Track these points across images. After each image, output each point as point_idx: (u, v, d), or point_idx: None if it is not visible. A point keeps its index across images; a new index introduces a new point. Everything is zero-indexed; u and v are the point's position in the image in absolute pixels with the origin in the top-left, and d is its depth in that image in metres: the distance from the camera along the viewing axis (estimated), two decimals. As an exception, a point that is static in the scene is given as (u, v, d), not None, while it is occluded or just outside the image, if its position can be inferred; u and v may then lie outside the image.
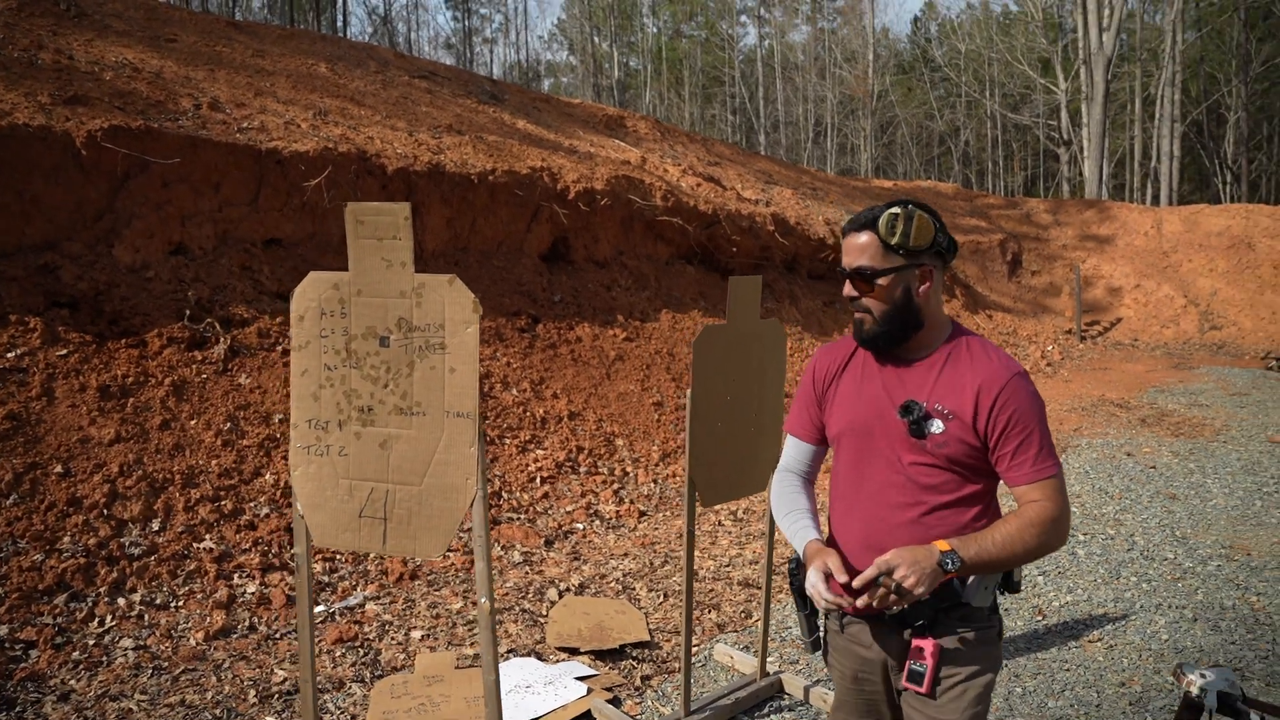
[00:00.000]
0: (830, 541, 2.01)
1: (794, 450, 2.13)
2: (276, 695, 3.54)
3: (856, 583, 1.78)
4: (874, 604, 1.74)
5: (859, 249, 1.87)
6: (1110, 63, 20.74)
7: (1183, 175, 32.62)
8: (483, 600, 1.93)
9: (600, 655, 3.89)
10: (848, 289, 1.91)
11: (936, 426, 1.84)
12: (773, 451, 3.35)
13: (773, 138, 40.33)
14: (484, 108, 11.34)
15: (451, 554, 5.06)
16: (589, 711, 3.37)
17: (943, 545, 1.77)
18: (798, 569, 2.00)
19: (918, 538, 1.84)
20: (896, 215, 1.82)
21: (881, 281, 1.85)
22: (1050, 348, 14.67)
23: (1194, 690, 2.54)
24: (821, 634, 2.11)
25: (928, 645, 1.87)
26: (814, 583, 1.85)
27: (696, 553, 5.29)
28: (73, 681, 3.60)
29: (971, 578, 1.84)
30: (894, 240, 1.82)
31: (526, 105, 12.88)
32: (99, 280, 6.03)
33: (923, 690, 1.87)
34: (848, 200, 16.46)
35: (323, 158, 7.35)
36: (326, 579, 4.67)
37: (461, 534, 5.32)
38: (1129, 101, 32.14)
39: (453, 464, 1.94)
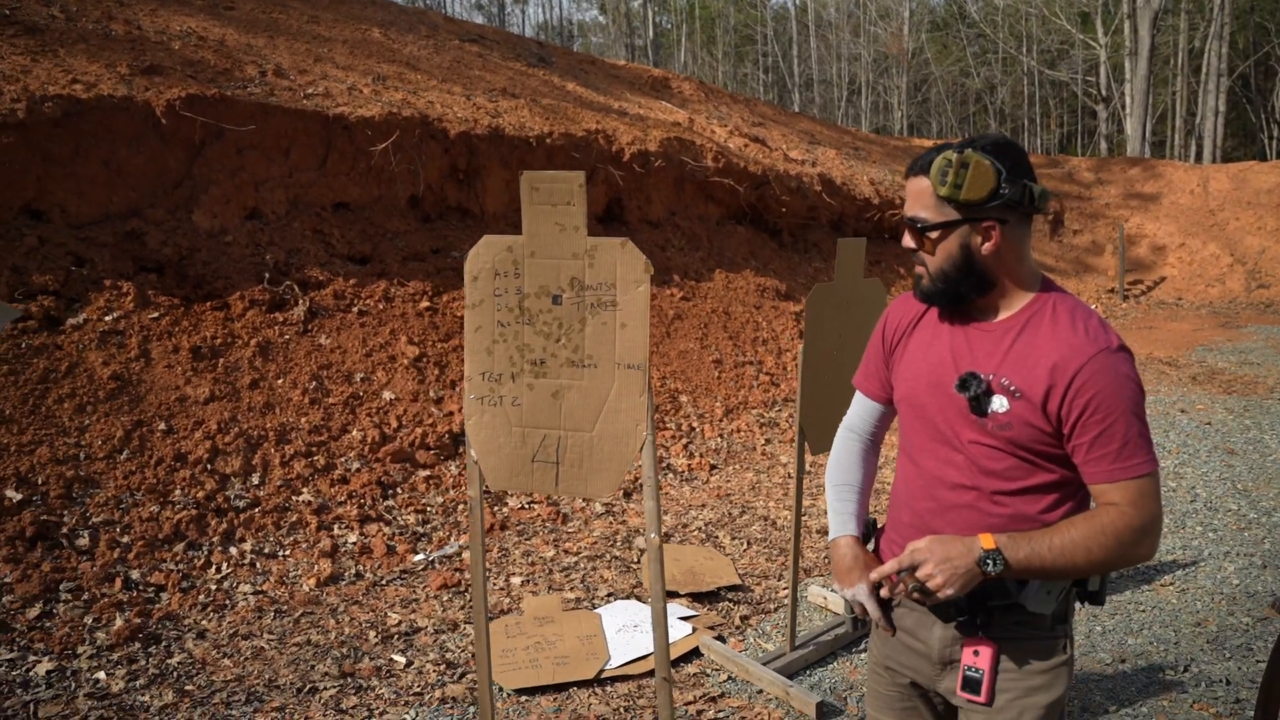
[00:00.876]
0: (888, 517, 1.84)
1: (859, 408, 1.93)
2: (396, 635, 3.76)
3: (874, 575, 1.63)
4: (894, 600, 1.60)
5: (915, 196, 1.63)
6: (1157, 16, 20.35)
7: (1227, 131, 32.02)
8: (652, 535, 2.10)
9: (696, 598, 4.09)
10: (905, 239, 1.68)
11: (1000, 404, 1.58)
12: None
13: (806, 96, 39.94)
14: (534, 71, 11.41)
15: (536, 505, 5.27)
16: (697, 648, 3.57)
17: (988, 541, 1.52)
18: (870, 532, 1.85)
19: (974, 524, 1.62)
20: (950, 162, 1.54)
21: (934, 236, 1.61)
22: (1094, 307, 14.64)
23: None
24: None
25: (985, 649, 1.63)
26: (865, 602, 1.71)
27: (772, 503, 5.47)
28: (204, 622, 3.84)
29: (1035, 580, 1.58)
30: (943, 191, 1.55)
31: (574, 67, 12.93)
32: (182, 245, 6.24)
33: (980, 700, 1.63)
34: (889, 160, 16.39)
35: (388, 122, 7.49)
36: (421, 529, 4.89)
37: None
38: (1171, 56, 31.49)
39: (624, 411, 2.10)
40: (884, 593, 1.64)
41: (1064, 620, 1.65)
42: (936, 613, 1.66)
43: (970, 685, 1.64)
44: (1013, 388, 1.57)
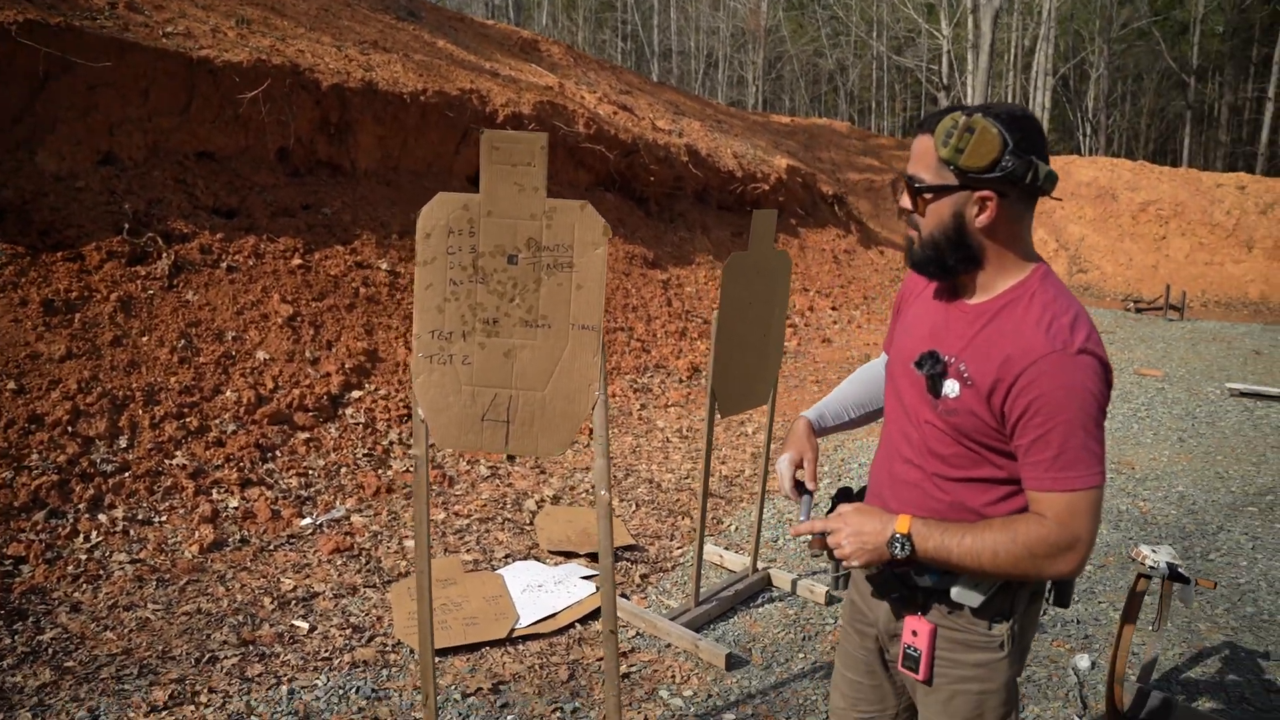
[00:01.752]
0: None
1: (882, 362, 1.96)
2: (294, 601, 3.67)
3: (793, 530, 1.65)
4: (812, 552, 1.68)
5: (917, 154, 1.57)
6: (997, 14, 21.65)
7: (1051, 126, 34.54)
8: (602, 493, 2.15)
9: (594, 557, 4.17)
10: (902, 198, 1.63)
11: (951, 388, 1.56)
12: (774, 370, 3.68)
13: (664, 66, 40.22)
14: (403, 25, 11.02)
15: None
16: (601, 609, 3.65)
17: (903, 525, 1.53)
18: (841, 498, 1.86)
19: (917, 504, 1.63)
20: (955, 123, 1.49)
21: (929, 198, 1.55)
22: (936, 285, 15.56)
23: (1149, 562, 3.04)
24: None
25: (923, 628, 1.63)
26: (781, 470, 1.79)
27: (654, 466, 5.61)
28: (77, 594, 3.62)
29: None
30: (943, 153, 1.49)
31: (443, 24, 12.56)
32: (25, 188, 5.74)
33: (919, 677, 1.65)
34: (750, 134, 16.80)
35: (256, 70, 7.10)
36: (304, 493, 4.75)
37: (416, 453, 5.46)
38: (1005, 52, 33.60)
39: (576, 371, 2.14)
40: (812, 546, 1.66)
41: (1005, 617, 1.60)
42: (873, 585, 1.68)
43: (909, 662, 1.66)
44: (966, 374, 1.54)
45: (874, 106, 41.93)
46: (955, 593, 1.57)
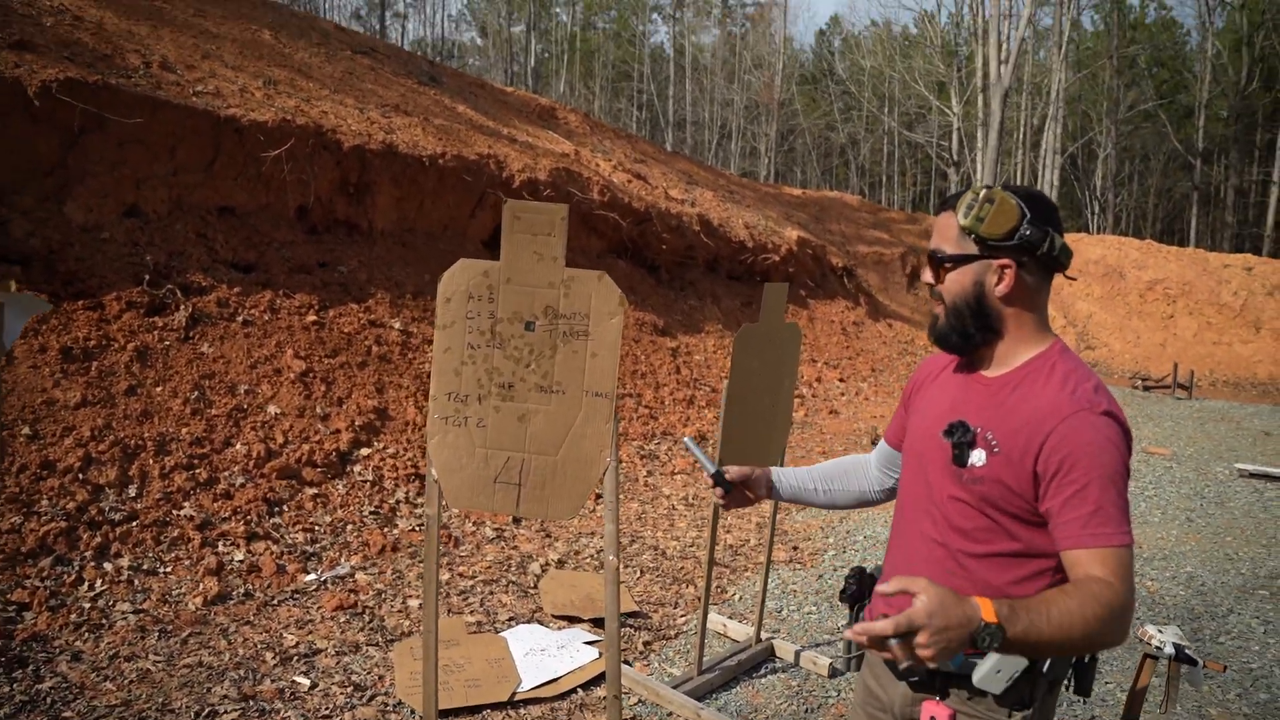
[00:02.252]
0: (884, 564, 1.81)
1: (876, 449, 1.99)
2: (295, 656, 3.65)
3: (856, 631, 1.35)
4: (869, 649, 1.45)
5: (940, 230, 1.64)
6: (1007, 94, 22.10)
7: (1060, 203, 34.98)
8: (610, 558, 2.17)
9: (598, 623, 4.15)
10: (924, 273, 1.69)
11: (978, 458, 1.57)
12: (781, 441, 3.71)
13: (678, 136, 41.00)
14: (425, 89, 11.31)
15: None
16: (605, 672, 3.63)
17: (988, 613, 1.33)
18: (854, 579, 1.84)
19: (942, 582, 1.43)
20: (976, 195, 1.57)
21: (949, 268, 1.61)
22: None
23: (1154, 642, 3.02)
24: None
25: (941, 713, 1.58)
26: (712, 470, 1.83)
27: (660, 533, 5.60)
28: (78, 643, 3.62)
29: (990, 658, 1.51)
30: (965, 221, 1.57)
31: (464, 89, 12.89)
32: (51, 238, 5.87)
33: None
34: (761, 204, 17.06)
35: (281, 129, 7.29)
36: (310, 549, 4.75)
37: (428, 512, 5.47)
38: (1015, 130, 34.22)
39: (589, 438, 2.18)
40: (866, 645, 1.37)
41: (1024, 706, 1.57)
42: (890, 668, 1.64)
43: None
44: (994, 442, 1.56)
45: (884, 180, 42.58)
46: (978, 678, 1.51)
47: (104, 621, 3.80)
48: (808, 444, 8.67)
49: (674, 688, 3.47)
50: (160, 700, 3.24)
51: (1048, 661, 1.56)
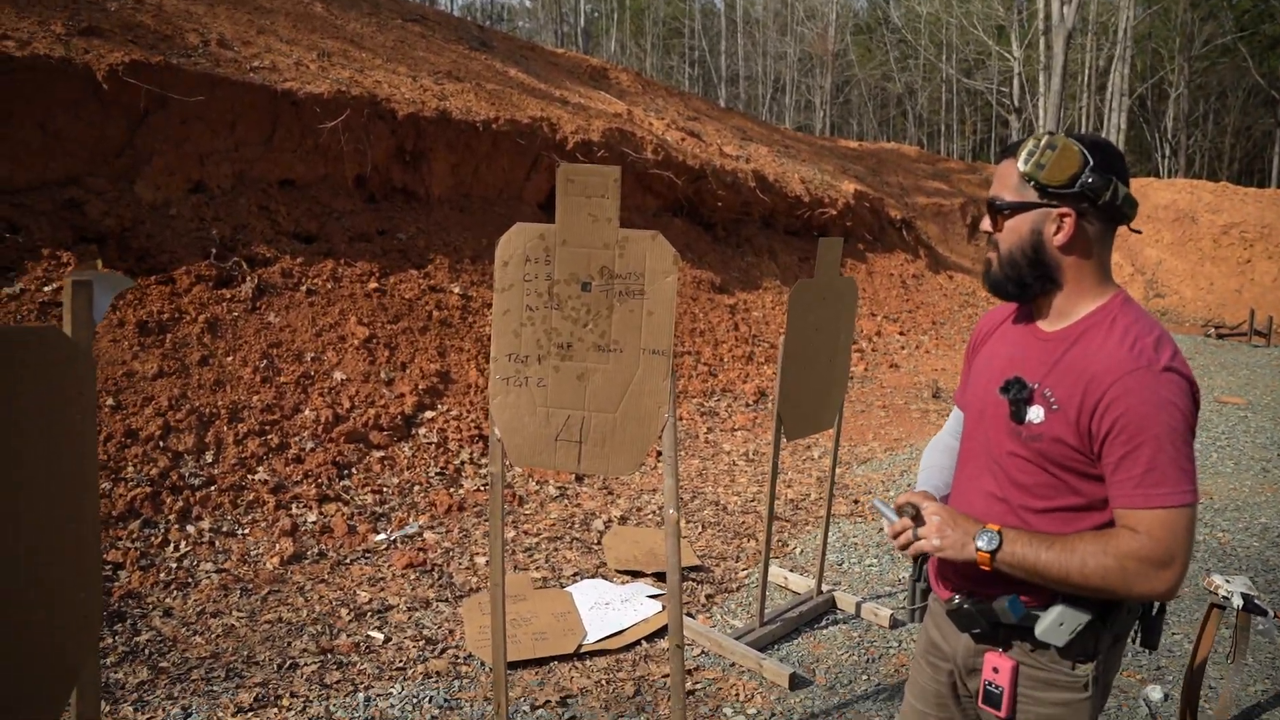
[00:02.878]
0: None
1: (953, 416, 1.94)
2: (369, 613, 3.80)
3: (902, 498, 1.63)
4: (892, 539, 1.62)
5: (1000, 177, 1.61)
6: (1070, 35, 21.33)
7: (1127, 148, 33.78)
8: (670, 512, 2.22)
9: (660, 577, 4.23)
10: (984, 222, 1.68)
11: (1036, 414, 1.55)
12: (840, 394, 3.71)
13: (731, 92, 40.46)
14: (476, 54, 11.34)
15: (493, 489, 5.34)
16: (668, 624, 3.71)
17: (994, 526, 1.53)
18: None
19: None
20: (1039, 142, 1.54)
21: (1007, 216, 1.59)
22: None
23: (1221, 591, 2.99)
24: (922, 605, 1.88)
25: (1005, 665, 1.61)
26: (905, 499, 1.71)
27: (720, 489, 5.65)
28: (168, 600, 3.81)
29: (1052, 611, 1.55)
30: (1025, 168, 1.54)
31: (515, 53, 12.89)
32: (124, 217, 6.07)
33: (1000, 715, 1.63)
34: (817, 158, 16.80)
35: (337, 101, 7.40)
36: (379, 509, 4.91)
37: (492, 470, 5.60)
38: (1079, 73, 33.03)
39: (647, 394, 2.22)
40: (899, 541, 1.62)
41: (1089, 657, 1.58)
42: (953, 619, 1.67)
43: (990, 699, 1.63)
44: (1052, 399, 1.54)
45: (943, 130, 41.50)
46: (1041, 631, 1.54)
47: (190, 580, 3.99)
48: (868, 398, 8.62)
49: (736, 639, 3.53)
50: (245, 654, 3.41)
51: (1111, 615, 1.55)
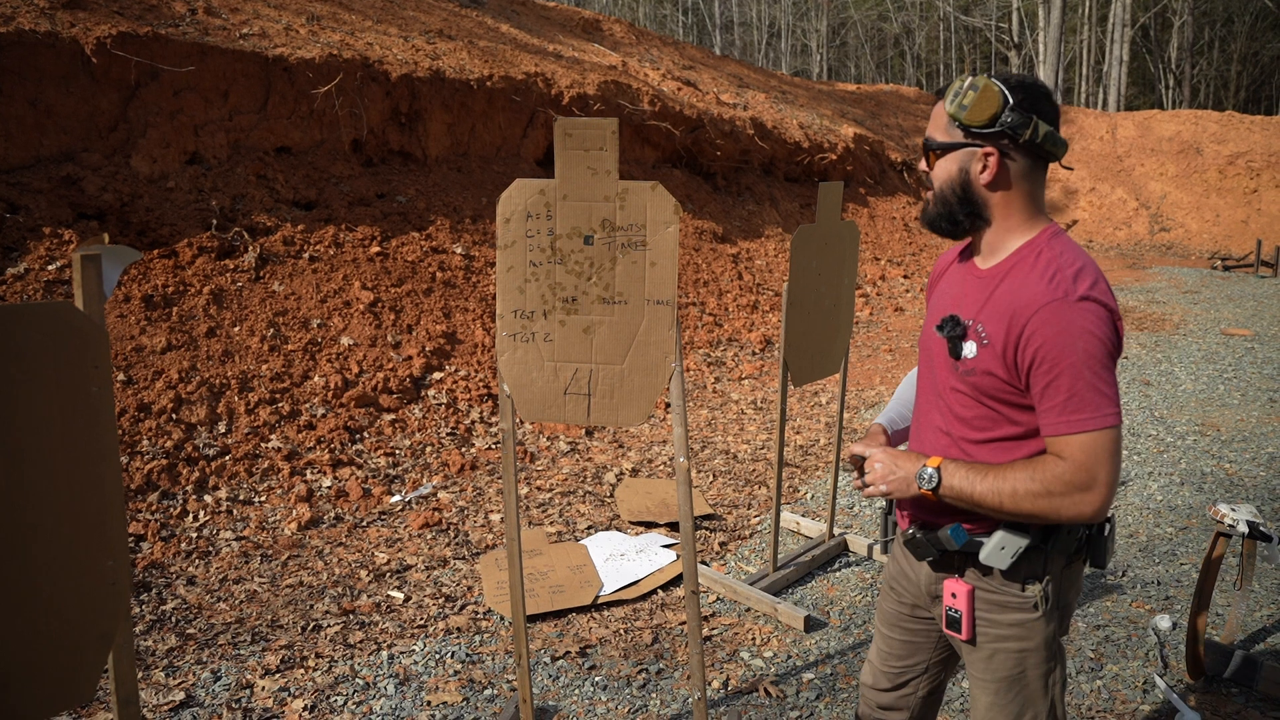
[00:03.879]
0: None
1: None
2: (388, 573, 3.86)
3: (845, 453, 1.78)
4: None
5: (933, 118, 1.67)
6: (1070, -36, 20.91)
7: (1130, 79, 33.28)
8: (681, 460, 2.25)
9: (673, 527, 4.29)
10: (920, 162, 1.73)
11: (970, 350, 1.62)
12: (845, 339, 3.72)
13: (726, 39, 39.85)
14: (467, 12, 11.19)
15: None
16: (683, 573, 3.77)
17: (934, 462, 1.62)
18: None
19: None
20: (963, 84, 1.59)
21: (938, 155, 1.65)
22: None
23: (1228, 520, 3.02)
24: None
25: (961, 590, 1.70)
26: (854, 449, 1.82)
27: (730, 438, 5.69)
28: (191, 569, 3.87)
29: (994, 536, 1.62)
30: (950, 108, 1.60)
31: (505, 8, 12.70)
32: (122, 191, 6.06)
33: (962, 637, 1.72)
34: (815, 103, 16.61)
35: (329, 65, 7.33)
36: (392, 472, 4.96)
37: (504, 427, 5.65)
38: (1079, 4, 32.44)
39: (653, 345, 2.23)
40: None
41: (1036, 579, 1.65)
42: (909, 549, 1.75)
43: (952, 624, 1.72)
44: (983, 334, 1.61)
45: (942, 70, 40.89)
46: (983, 555, 1.63)
47: (210, 549, 4.05)
48: (874, 342, 8.63)
49: (751, 584, 3.58)
50: (269, 618, 3.47)
51: (1051, 537, 1.63)
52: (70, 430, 1.34)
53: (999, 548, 1.61)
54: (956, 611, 1.70)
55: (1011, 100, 1.56)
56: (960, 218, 1.66)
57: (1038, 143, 1.57)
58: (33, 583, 1.30)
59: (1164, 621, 3.10)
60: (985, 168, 1.60)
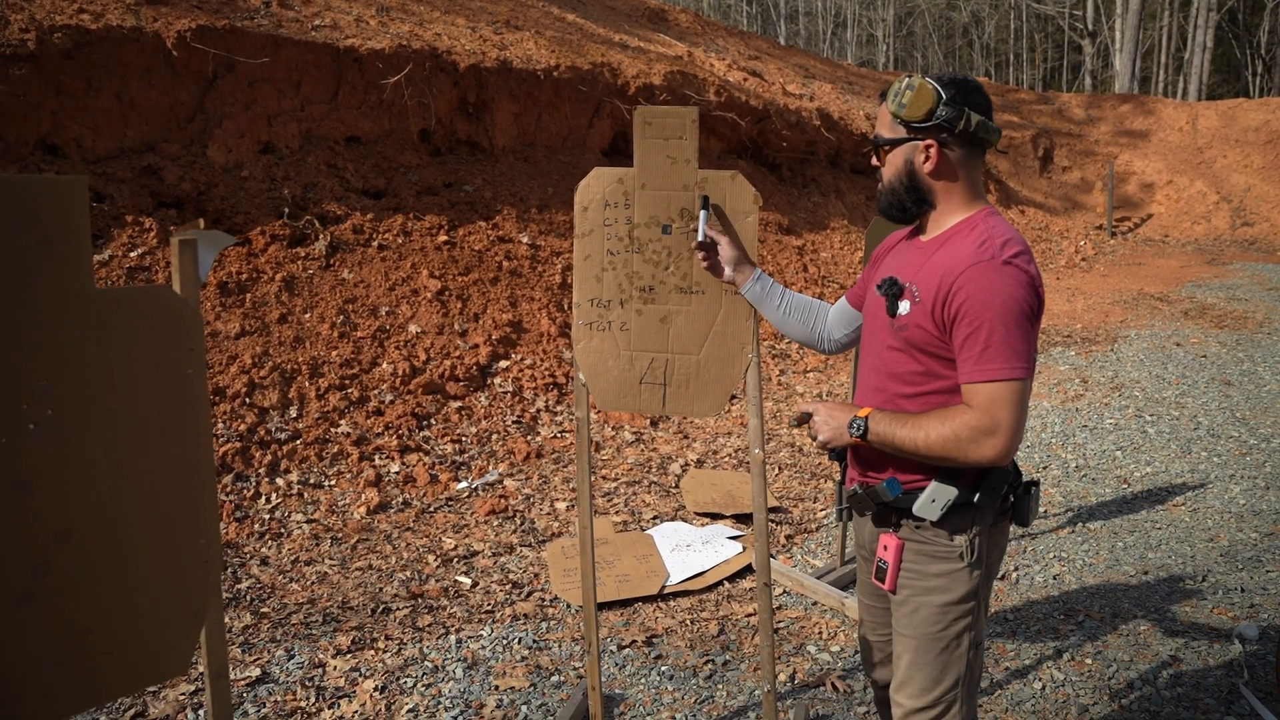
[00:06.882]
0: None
1: (836, 304, 2.18)
2: (455, 559, 3.90)
3: (792, 414, 1.88)
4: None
5: (879, 118, 1.85)
6: (1150, -52, 20.21)
7: (1213, 67, 32.07)
8: (756, 451, 2.22)
9: (739, 519, 4.26)
10: (873, 159, 1.90)
11: (904, 308, 1.78)
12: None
13: (791, 29, 39.43)
14: (533, 2, 11.23)
15: (568, 434, 5.40)
16: (750, 565, 3.74)
17: (864, 412, 1.79)
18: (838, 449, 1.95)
19: None
20: (901, 84, 1.76)
21: (886, 151, 1.82)
22: (1083, 243, 14.82)
23: None
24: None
25: (891, 542, 1.82)
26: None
27: (796, 431, 5.64)
28: (264, 550, 3.96)
29: (927, 488, 1.75)
30: (891, 107, 1.77)
31: (571, -2, 12.73)
32: (199, 180, 6.21)
33: (885, 587, 1.84)
34: (882, 94, 16.35)
35: (398, 55, 7.41)
36: (459, 459, 5.01)
37: (570, 417, 5.66)
38: (1159, -11, 31.39)
39: (730, 335, 2.21)
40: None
41: (963, 531, 1.78)
42: (852, 504, 1.93)
43: (879, 574, 1.85)
44: (916, 293, 1.76)
45: (1012, 59, 39.90)
46: (916, 507, 1.76)
47: (283, 531, 4.14)
48: (940, 339, 8.46)
49: (818, 578, 3.54)
50: (339, 599, 3.53)
51: (979, 489, 1.76)
52: (166, 412, 1.36)
53: (930, 499, 1.75)
54: (884, 563, 1.84)
55: (945, 96, 1.72)
56: (908, 204, 1.83)
57: (971, 131, 1.73)
58: (132, 560, 1.32)
59: (1251, 630, 2.99)
60: (927, 158, 1.77)
